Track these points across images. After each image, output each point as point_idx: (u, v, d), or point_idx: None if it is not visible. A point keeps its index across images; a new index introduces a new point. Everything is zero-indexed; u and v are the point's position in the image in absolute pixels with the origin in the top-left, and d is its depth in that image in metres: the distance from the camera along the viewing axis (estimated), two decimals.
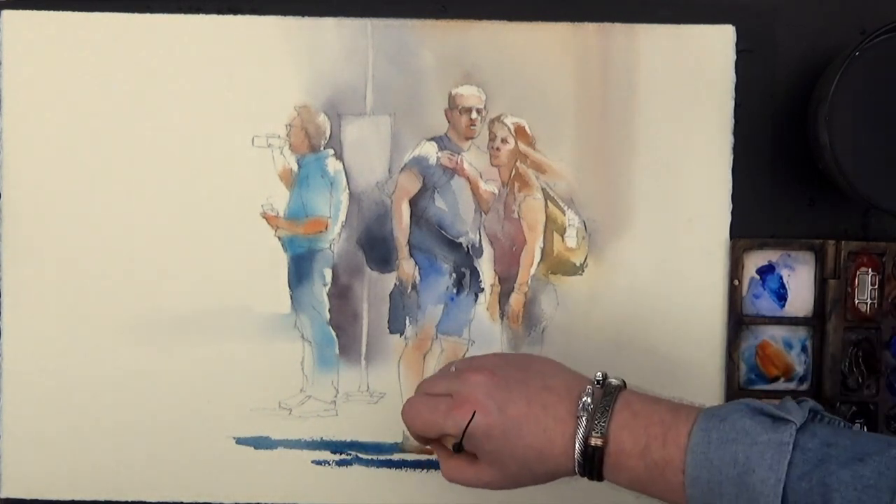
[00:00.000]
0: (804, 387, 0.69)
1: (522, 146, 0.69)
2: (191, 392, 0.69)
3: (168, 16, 0.68)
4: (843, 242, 0.68)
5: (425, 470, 0.70)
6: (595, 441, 0.53)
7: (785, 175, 0.69)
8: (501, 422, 0.55)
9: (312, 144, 0.69)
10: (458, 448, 0.56)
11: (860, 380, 0.68)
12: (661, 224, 0.68)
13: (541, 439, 0.54)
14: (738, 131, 0.68)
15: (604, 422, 0.53)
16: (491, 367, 0.57)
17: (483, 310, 0.70)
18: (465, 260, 0.69)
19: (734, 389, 0.68)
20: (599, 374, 0.56)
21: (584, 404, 0.54)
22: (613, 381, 0.56)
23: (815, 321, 0.68)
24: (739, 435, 0.50)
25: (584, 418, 0.54)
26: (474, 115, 0.69)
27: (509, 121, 0.69)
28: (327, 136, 0.69)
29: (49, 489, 0.70)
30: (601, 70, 0.68)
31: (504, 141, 0.69)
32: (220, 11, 0.68)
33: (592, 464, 0.54)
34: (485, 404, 0.55)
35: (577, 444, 0.54)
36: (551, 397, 0.55)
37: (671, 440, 0.52)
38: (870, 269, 0.68)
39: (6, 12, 0.68)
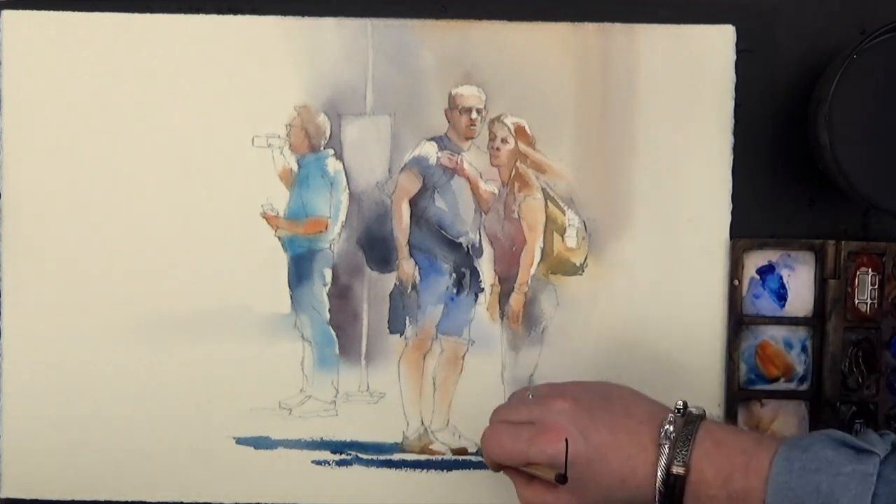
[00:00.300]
0: (804, 387, 0.69)
1: (522, 146, 0.69)
2: (191, 392, 0.69)
3: (168, 16, 0.68)
4: (843, 242, 0.68)
5: (425, 470, 0.70)
6: (677, 469, 0.53)
7: (785, 175, 0.69)
8: (585, 449, 0.55)
9: (312, 144, 0.69)
10: (562, 479, 0.54)
11: (860, 380, 0.68)
12: (661, 224, 0.68)
13: (625, 467, 0.54)
14: (738, 131, 0.68)
15: (686, 450, 0.53)
16: (573, 394, 0.57)
17: (483, 310, 0.69)
18: (465, 260, 0.69)
19: (734, 389, 0.68)
20: (680, 402, 0.56)
21: (666, 432, 0.54)
22: (694, 410, 0.56)
23: (815, 321, 0.68)
24: (822, 465, 0.50)
25: (666, 446, 0.54)
26: (474, 115, 0.69)
27: (509, 121, 0.69)
28: (327, 136, 0.69)
29: (49, 489, 0.70)
30: (601, 70, 0.68)
31: (504, 141, 0.69)
32: (220, 11, 0.68)
33: (673, 493, 0.53)
34: (569, 431, 0.55)
35: (658, 473, 0.53)
36: (634, 424, 0.55)
37: (753, 470, 0.52)
38: (870, 269, 0.68)
39: (6, 12, 0.68)
